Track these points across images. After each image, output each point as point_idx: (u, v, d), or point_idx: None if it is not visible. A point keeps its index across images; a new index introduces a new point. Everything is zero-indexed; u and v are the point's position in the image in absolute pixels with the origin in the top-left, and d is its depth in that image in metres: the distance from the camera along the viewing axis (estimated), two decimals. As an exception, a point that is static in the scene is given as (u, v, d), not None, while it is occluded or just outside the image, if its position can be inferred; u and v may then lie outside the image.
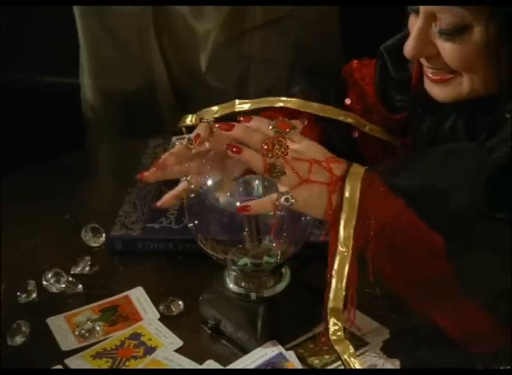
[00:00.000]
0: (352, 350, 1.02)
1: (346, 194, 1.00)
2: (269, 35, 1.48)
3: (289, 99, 1.28)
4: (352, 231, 1.00)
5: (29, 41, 1.72)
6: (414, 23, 1.07)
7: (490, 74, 1.05)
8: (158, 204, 1.17)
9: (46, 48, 1.72)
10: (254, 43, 1.50)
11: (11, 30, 1.71)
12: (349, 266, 1.01)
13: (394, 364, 1.07)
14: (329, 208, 1.01)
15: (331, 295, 1.01)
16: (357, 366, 1.02)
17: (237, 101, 1.30)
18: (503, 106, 1.09)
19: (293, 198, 1.00)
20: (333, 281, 1.01)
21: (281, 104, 1.28)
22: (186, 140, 1.14)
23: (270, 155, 1.00)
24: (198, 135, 1.11)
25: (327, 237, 1.03)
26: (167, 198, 1.16)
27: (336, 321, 1.02)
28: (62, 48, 1.71)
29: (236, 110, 1.29)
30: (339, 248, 1.01)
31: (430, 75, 1.12)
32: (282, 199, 1.00)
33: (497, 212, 1.08)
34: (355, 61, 1.33)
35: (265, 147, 1.00)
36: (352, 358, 1.02)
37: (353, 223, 1.00)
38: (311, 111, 1.27)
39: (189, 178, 1.12)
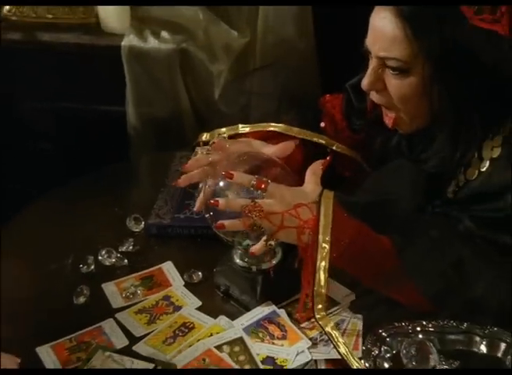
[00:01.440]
0: (332, 324, 1.01)
1: (322, 211, 1.00)
2: (264, 76, 1.48)
3: (276, 125, 1.25)
4: (329, 236, 0.99)
5: (89, 79, 1.72)
6: (371, 64, 1.08)
7: (425, 106, 1.05)
8: (195, 209, 1.14)
9: (102, 85, 1.72)
10: (253, 81, 1.50)
11: (78, 74, 1.72)
12: (328, 261, 0.99)
13: (359, 318, 1.07)
14: (300, 243, 1.01)
15: (315, 287, 1.00)
16: (338, 336, 1.00)
17: (240, 125, 1.28)
18: (436, 127, 1.09)
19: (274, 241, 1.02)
20: (317, 275, 1.00)
21: (271, 128, 1.25)
22: (205, 150, 1.15)
23: (250, 218, 1.00)
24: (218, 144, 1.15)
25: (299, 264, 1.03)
26: (199, 204, 1.13)
27: (319, 303, 1.01)
28: (113, 85, 1.71)
29: (239, 132, 1.27)
30: (320, 248, 0.99)
31: (386, 119, 1.12)
32: (268, 244, 1.02)
33: (434, 208, 1.09)
34: (327, 95, 1.32)
35: (245, 212, 1.00)
36: (334, 331, 1.01)
37: (330, 229, 0.99)
38: (291, 134, 1.24)
39: (208, 183, 1.10)
